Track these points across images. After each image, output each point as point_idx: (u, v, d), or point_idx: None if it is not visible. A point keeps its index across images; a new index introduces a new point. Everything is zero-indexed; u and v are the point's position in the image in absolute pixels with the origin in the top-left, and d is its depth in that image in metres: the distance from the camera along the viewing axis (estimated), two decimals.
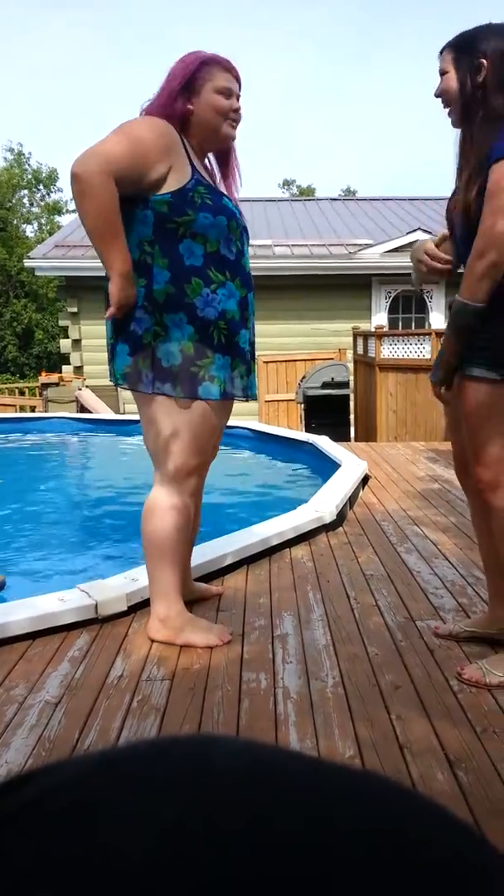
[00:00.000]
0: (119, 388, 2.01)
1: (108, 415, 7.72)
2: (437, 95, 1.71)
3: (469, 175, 1.64)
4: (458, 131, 1.72)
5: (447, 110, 1.70)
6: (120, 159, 1.74)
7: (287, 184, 37.54)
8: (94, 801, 0.18)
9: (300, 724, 1.59)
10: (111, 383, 2.00)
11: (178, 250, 1.83)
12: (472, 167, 1.63)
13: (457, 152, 1.73)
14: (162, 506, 1.95)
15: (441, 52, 1.69)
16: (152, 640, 2.02)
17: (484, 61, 1.61)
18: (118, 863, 0.16)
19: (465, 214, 1.66)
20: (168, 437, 1.91)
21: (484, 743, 1.50)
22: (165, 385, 1.86)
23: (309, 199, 15.77)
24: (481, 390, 1.66)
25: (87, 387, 8.73)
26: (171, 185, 1.82)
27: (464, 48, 1.64)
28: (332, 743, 1.51)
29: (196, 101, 1.87)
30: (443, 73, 1.68)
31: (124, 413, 8.19)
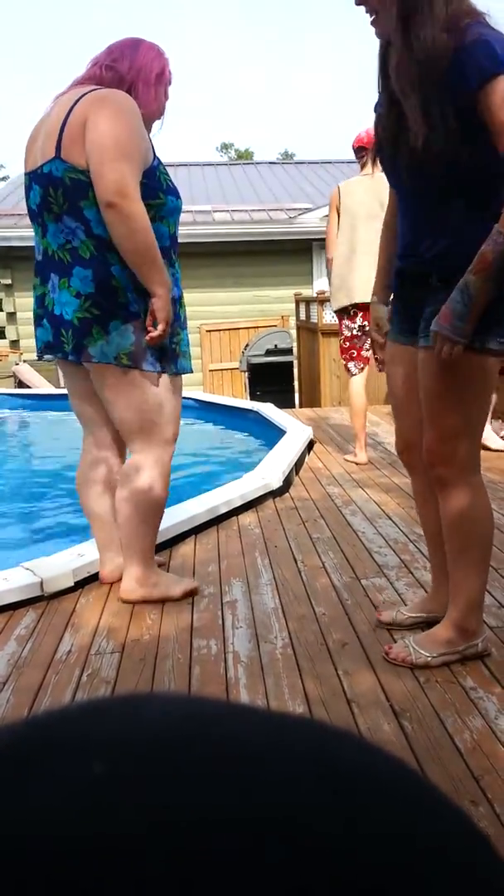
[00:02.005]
0: (111, 367, 1.88)
1: (49, 389, 7.53)
2: (359, 3, 1.43)
3: (419, 103, 1.38)
4: (378, 52, 1.48)
5: (371, 18, 1.44)
6: (139, 170, 1.77)
7: (225, 147, 36.90)
8: (18, 767, 0.18)
9: (251, 686, 1.62)
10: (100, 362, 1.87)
11: (156, 232, 1.85)
12: (424, 90, 1.37)
13: (382, 73, 1.49)
14: (155, 471, 1.99)
15: None
16: (127, 601, 2.05)
17: None
18: (42, 827, 0.16)
19: (415, 156, 1.42)
20: (157, 411, 1.96)
21: (427, 692, 1.56)
22: (164, 364, 1.93)
23: (248, 163, 15.52)
24: (458, 362, 1.46)
25: (24, 361, 8.48)
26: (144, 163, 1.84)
27: None
28: (282, 702, 1.55)
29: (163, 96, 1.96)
30: None
31: (63, 387, 8.00)
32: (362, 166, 3.61)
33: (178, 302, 1.97)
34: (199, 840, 0.16)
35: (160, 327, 1.84)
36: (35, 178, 1.85)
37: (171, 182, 1.94)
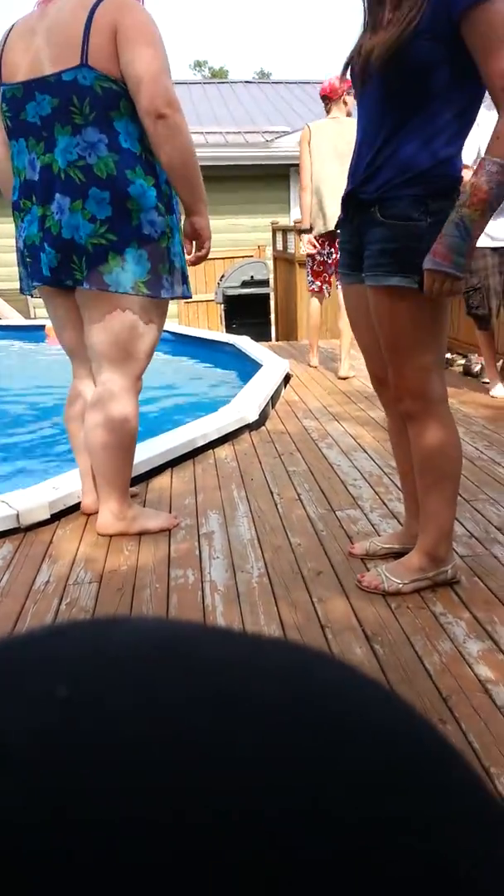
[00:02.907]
0: (119, 297, 1.84)
1: (19, 320, 7.34)
2: None
3: (410, 11, 1.34)
4: None
5: None
6: None
7: (199, 65, 35.05)
8: None
9: (227, 612, 1.66)
10: (93, 289, 1.81)
11: None
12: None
13: None
14: (129, 403, 1.95)
15: None
16: (103, 535, 2.06)
17: None
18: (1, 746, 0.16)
19: (385, 64, 1.38)
20: (144, 341, 1.92)
21: (398, 618, 1.61)
22: (180, 287, 1.90)
23: (223, 82, 14.77)
24: (408, 301, 1.48)
25: None
26: None
27: None
28: (257, 627, 1.59)
29: None
30: None
31: (35, 318, 7.79)
32: (328, 111, 4.11)
33: (178, 227, 1.91)
34: (163, 765, 0.15)
35: (207, 245, 1.84)
36: (42, 88, 1.72)
37: None
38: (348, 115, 4.19)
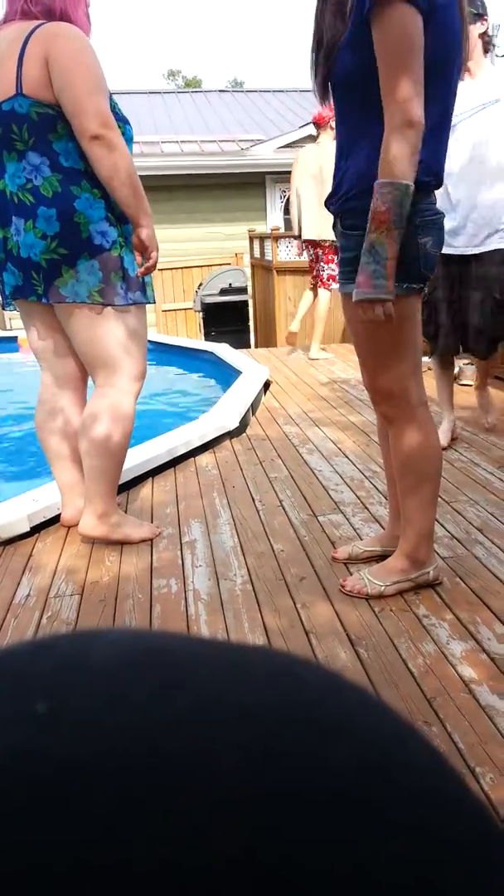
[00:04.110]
0: (86, 307, 1.89)
1: None
2: None
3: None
4: None
5: None
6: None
7: (172, 74, 35.21)
8: None
9: (211, 621, 1.65)
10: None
11: None
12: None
13: None
14: (124, 410, 1.98)
15: None
16: (86, 537, 2.05)
17: None
18: None
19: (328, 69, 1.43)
20: (128, 344, 1.96)
21: (382, 621, 1.61)
22: (137, 293, 1.94)
23: (196, 91, 14.82)
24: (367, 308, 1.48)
25: None
26: None
27: None
28: (242, 635, 1.58)
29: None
30: None
31: (10, 329, 7.73)
32: (316, 136, 4.83)
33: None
34: (145, 774, 0.15)
35: (154, 255, 1.88)
36: None
37: (121, 110, 1.90)
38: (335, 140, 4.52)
